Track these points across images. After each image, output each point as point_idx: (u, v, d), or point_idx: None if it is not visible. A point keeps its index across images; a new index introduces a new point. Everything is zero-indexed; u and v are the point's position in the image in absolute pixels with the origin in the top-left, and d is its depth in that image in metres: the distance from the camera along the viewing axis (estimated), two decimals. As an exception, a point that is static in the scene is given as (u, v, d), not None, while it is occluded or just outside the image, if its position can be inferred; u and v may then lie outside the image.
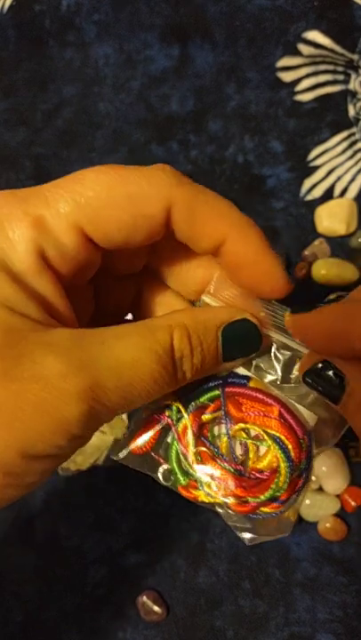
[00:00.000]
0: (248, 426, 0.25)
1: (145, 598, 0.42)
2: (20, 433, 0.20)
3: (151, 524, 0.44)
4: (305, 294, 0.47)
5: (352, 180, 0.50)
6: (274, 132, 0.52)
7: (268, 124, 0.52)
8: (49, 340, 0.21)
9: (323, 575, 0.41)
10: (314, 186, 0.50)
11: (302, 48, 0.52)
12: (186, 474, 0.26)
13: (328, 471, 0.43)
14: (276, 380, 0.26)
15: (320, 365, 0.24)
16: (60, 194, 0.23)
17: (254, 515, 0.26)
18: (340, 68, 0.52)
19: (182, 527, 0.43)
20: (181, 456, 0.26)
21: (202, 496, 0.26)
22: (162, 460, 0.27)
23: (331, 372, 0.23)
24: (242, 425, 0.25)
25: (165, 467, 0.27)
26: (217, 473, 0.26)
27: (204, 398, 0.26)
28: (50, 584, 0.43)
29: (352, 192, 0.50)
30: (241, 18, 0.53)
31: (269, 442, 0.25)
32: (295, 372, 0.26)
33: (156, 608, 0.41)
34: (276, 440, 0.25)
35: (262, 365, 0.26)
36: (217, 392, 0.26)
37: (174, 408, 0.26)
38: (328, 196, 0.50)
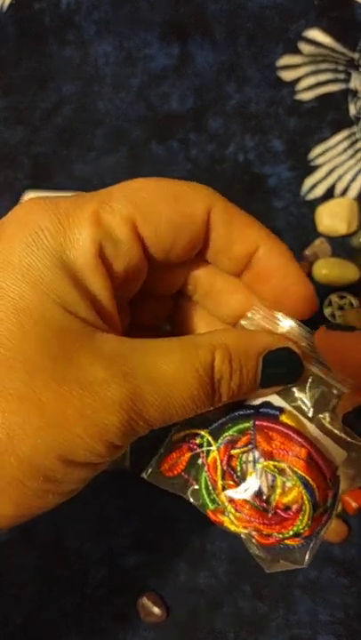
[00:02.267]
0: (276, 463, 0.25)
1: (145, 599, 0.41)
2: (61, 436, 0.20)
3: (152, 526, 0.43)
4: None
5: (353, 179, 0.50)
6: (274, 130, 0.52)
7: (269, 122, 0.52)
8: (96, 346, 0.21)
9: (324, 577, 0.41)
10: (315, 185, 0.50)
11: (303, 47, 0.52)
12: (213, 501, 0.26)
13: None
14: (309, 411, 0.26)
15: None
16: (112, 193, 0.23)
17: (276, 546, 0.26)
18: (340, 67, 0.52)
19: (183, 529, 0.43)
20: (210, 484, 0.26)
21: (227, 522, 0.26)
22: (192, 481, 0.27)
23: None
24: (270, 462, 0.26)
25: (195, 487, 0.27)
26: (242, 506, 0.26)
27: (234, 430, 0.26)
28: (50, 585, 0.43)
29: (353, 191, 0.49)
30: (241, 16, 0.53)
31: (295, 480, 0.25)
32: (330, 408, 0.25)
33: (156, 609, 0.41)
34: (302, 480, 0.25)
35: (297, 395, 0.26)
36: (247, 424, 0.26)
37: (205, 438, 0.26)
38: (329, 195, 0.50)
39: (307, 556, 0.26)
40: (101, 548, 0.43)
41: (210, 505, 0.26)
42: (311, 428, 0.25)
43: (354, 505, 0.42)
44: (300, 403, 0.26)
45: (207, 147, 0.52)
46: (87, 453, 0.21)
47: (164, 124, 0.53)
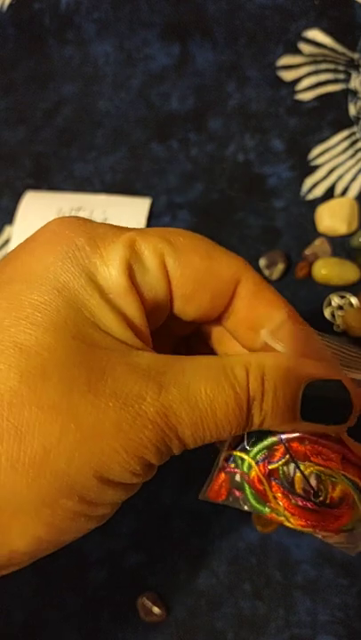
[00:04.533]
0: (313, 466, 0.25)
1: (145, 599, 0.41)
2: (99, 450, 0.20)
3: (152, 525, 0.43)
4: (305, 294, 0.46)
5: (353, 179, 0.50)
6: (275, 130, 0.52)
7: (269, 122, 0.52)
8: (131, 361, 0.21)
9: (323, 577, 0.41)
10: (315, 185, 0.50)
11: (303, 47, 0.52)
12: (269, 508, 0.26)
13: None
14: None
15: None
16: (149, 229, 0.24)
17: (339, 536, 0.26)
18: (340, 67, 0.52)
19: (183, 528, 0.43)
20: (259, 497, 0.26)
21: (285, 522, 0.26)
22: (241, 497, 0.26)
23: None
24: (311, 464, 0.25)
25: (246, 499, 0.27)
26: (295, 512, 0.26)
27: (263, 447, 0.26)
28: (50, 585, 0.43)
29: (353, 191, 0.49)
30: (241, 16, 0.53)
31: (339, 476, 0.25)
32: None
33: (156, 609, 0.41)
34: (344, 476, 0.25)
35: None
36: (274, 438, 0.25)
37: (237, 459, 0.26)
38: (329, 195, 0.50)
39: None
40: (101, 547, 0.43)
41: (266, 511, 0.26)
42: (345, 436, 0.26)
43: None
44: None
45: (207, 146, 0.52)
46: (123, 470, 0.21)
47: (165, 123, 0.53)
